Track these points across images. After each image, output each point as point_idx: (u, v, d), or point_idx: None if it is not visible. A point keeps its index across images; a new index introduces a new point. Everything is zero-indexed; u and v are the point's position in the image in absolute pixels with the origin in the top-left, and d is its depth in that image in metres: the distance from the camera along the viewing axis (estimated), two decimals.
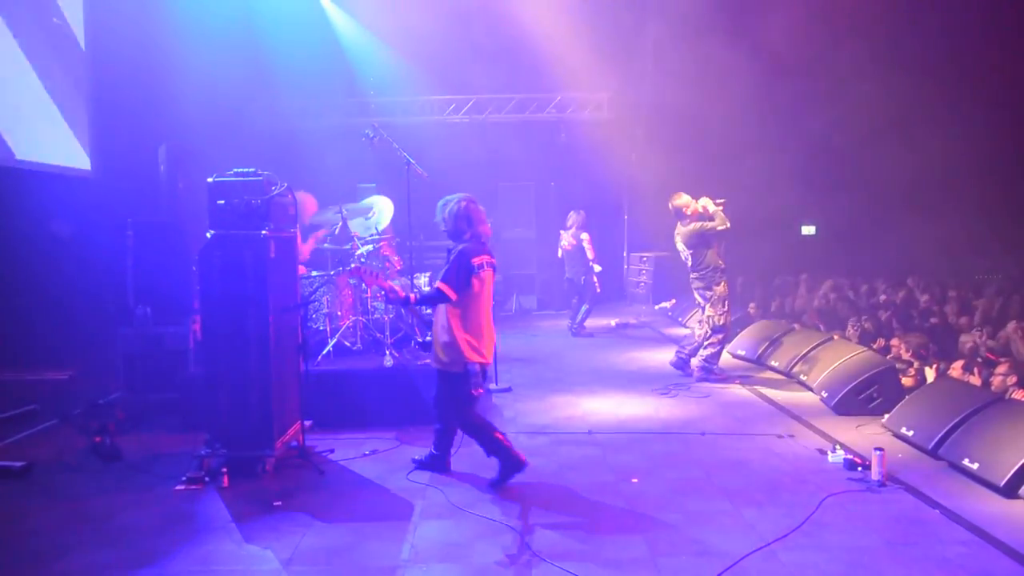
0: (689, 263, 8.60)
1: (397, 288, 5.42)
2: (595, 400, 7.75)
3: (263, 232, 5.41)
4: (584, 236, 11.61)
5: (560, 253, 11.95)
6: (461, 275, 5.21)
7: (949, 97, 14.46)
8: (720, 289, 8.43)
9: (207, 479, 5.39)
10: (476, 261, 5.26)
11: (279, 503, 5.04)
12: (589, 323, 12.05)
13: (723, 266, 8.51)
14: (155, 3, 10.30)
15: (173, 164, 9.25)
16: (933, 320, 10.70)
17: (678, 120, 14.63)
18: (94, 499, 5.22)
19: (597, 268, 11.69)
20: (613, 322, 12.82)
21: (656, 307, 14.48)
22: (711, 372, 8.51)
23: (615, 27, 14.40)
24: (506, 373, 8.58)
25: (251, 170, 5.54)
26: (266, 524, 4.75)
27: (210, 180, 5.49)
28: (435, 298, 5.33)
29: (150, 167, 9.50)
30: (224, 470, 5.37)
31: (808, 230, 19.66)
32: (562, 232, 11.89)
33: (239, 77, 12.19)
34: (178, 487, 5.33)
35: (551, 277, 14.93)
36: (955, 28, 14.55)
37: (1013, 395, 6.91)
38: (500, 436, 5.37)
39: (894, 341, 8.97)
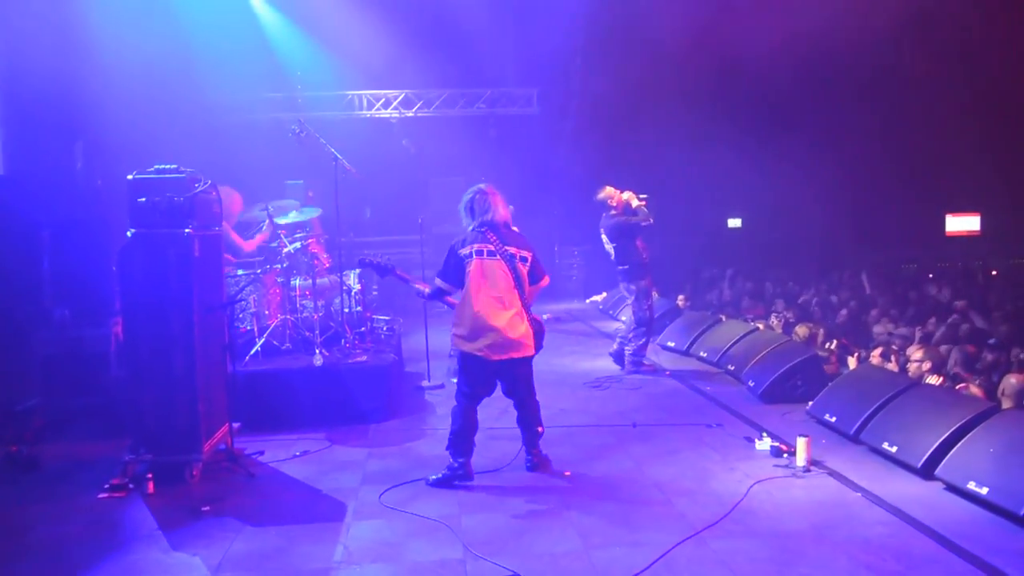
0: (613, 256, 8.68)
1: (423, 286, 5.63)
2: None
3: (187, 230, 5.28)
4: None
5: None
6: (449, 266, 5.34)
7: (867, 96, 14.96)
8: (644, 283, 8.52)
9: (131, 486, 5.24)
10: (464, 251, 5.30)
11: (207, 508, 4.92)
12: None
13: (647, 260, 8.60)
14: None
15: (91, 161, 8.94)
16: (844, 312, 11.09)
17: (606, 116, 14.80)
18: (12, 511, 5.03)
19: None
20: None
21: (587, 300, 14.63)
22: (640, 365, 8.63)
23: (544, 23, 14.45)
24: (439, 369, 8.54)
25: (173, 166, 5.40)
26: (194, 530, 4.64)
27: (130, 177, 5.33)
28: (437, 292, 5.49)
29: (66, 164, 9.16)
30: (149, 476, 5.22)
31: (735, 223, 20.13)
32: None
33: (161, 71, 11.83)
34: (101, 495, 5.16)
35: None
36: (869, 38, 15.06)
37: (927, 380, 7.19)
38: (471, 441, 5.38)
39: (817, 330, 9.25)
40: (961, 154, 17.60)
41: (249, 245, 7.90)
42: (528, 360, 5.41)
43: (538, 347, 5.45)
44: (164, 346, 5.28)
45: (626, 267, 8.55)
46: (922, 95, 16.36)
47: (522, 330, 5.27)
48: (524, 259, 5.33)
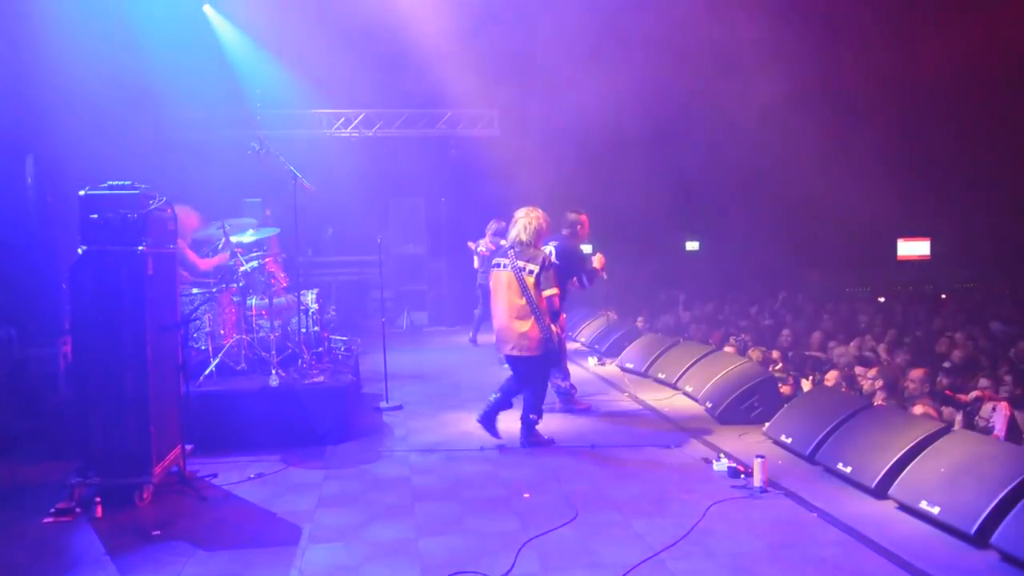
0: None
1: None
2: None
3: (140, 248, 5.18)
4: (503, 242, 11.70)
5: (476, 262, 11.96)
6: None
7: (821, 123, 15.27)
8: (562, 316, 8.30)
9: (79, 510, 5.09)
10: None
11: (158, 532, 4.81)
12: (480, 338, 12.15)
13: (564, 302, 8.16)
14: (20, 6, 9.73)
15: (41, 176, 8.74)
16: (786, 332, 11.28)
17: (566, 138, 14.90)
18: None
19: None
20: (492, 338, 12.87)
21: None
22: (571, 399, 8.12)
23: (505, 45, 14.55)
24: (397, 391, 8.48)
25: (127, 183, 5.30)
26: (144, 556, 4.51)
27: (82, 193, 5.21)
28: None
29: (16, 179, 8.94)
30: (98, 500, 5.07)
31: (692, 245, 20.37)
32: (471, 244, 11.96)
33: (116, 85, 11.65)
34: (47, 520, 5.00)
35: (442, 293, 14.89)
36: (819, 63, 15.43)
37: (878, 398, 7.32)
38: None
39: (770, 353, 9.37)
40: (913, 180, 18.08)
41: (205, 263, 7.78)
42: (527, 359, 6.39)
43: (546, 354, 6.41)
44: (115, 366, 5.16)
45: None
46: (875, 122, 16.77)
47: (521, 330, 6.32)
48: (531, 271, 6.33)
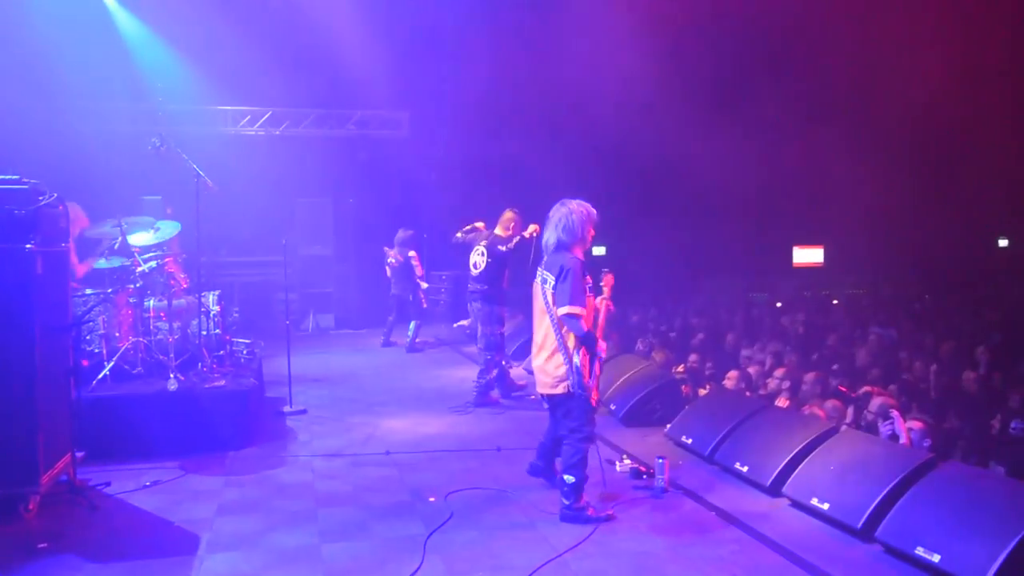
0: (479, 270, 8.33)
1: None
2: (393, 420, 7.69)
3: (28, 246, 4.94)
4: (412, 253, 11.75)
5: (388, 271, 11.90)
6: None
7: (718, 132, 15.77)
8: (499, 309, 8.33)
9: None
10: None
11: (45, 545, 4.60)
12: (384, 341, 12.16)
13: (506, 292, 8.39)
14: None
15: None
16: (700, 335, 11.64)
17: (477, 142, 14.96)
18: None
19: (424, 285, 11.87)
20: (417, 341, 12.80)
21: (455, 325, 14.63)
22: (487, 395, 8.37)
23: (415, 47, 14.50)
24: (302, 394, 8.34)
25: (15, 177, 5.05)
26: (30, 570, 4.32)
27: None
28: None
29: None
30: None
31: (599, 251, 20.69)
32: (388, 249, 11.86)
33: (4, 74, 11.09)
34: None
35: (349, 295, 14.70)
36: (718, 76, 15.95)
37: (780, 401, 7.61)
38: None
39: (671, 355, 9.61)
40: (807, 189, 18.87)
41: (83, 268, 7.46)
42: (551, 397, 5.06)
43: (574, 395, 4.95)
44: (1, 369, 4.90)
45: (485, 287, 8.28)
46: (771, 131, 17.40)
47: (543, 362, 5.03)
48: (547, 282, 5.00)
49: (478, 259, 8.41)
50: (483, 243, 8.37)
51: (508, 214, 8.37)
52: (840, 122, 17.34)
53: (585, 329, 4.89)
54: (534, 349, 5.20)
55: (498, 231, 8.35)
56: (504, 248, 8.15)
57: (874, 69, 16.79)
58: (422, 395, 8.86)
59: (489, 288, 8.33)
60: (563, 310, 4.87)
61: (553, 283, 4.92)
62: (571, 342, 4.93)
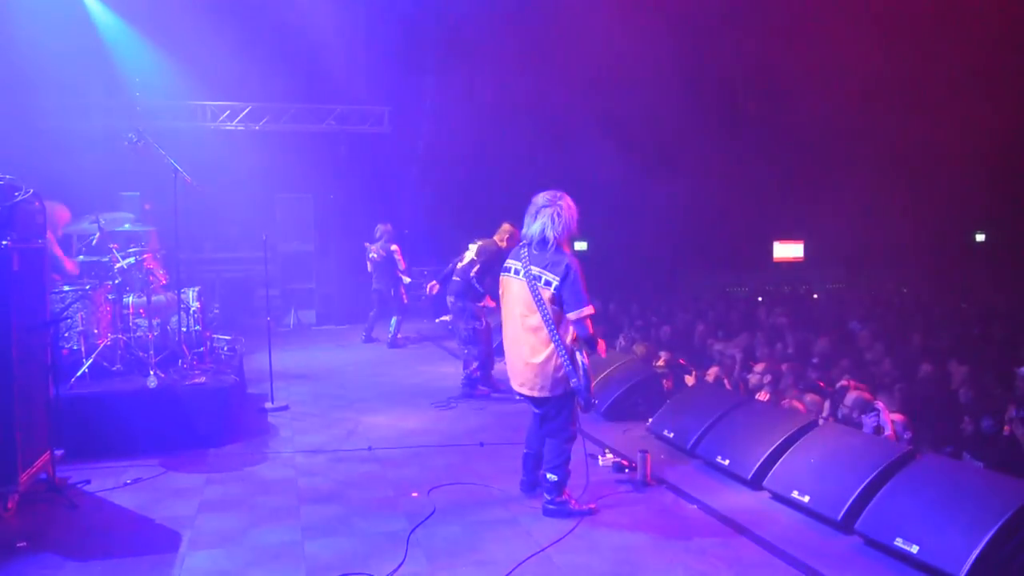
0: (463, 264, 8.32)
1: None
2: (376, 416, 7.68)
3: (4, 242, 4.88)
4: (394, 248, 11.69)
5: (369, 266, 11.84)
6: (494, 275, 5.18)
7: (701, 129, 15.87)
8: (479, 306, 8.30)
9: None
10: (505, 263, 5.09)
11: (24, 544, 4.55)
12: (366, 336, 12.16)
13: (483, 291, 8.29)
14: None
15: None
16: (667, 328, 11.73)
17: (457, 137, 14.93)
18: None
19: (406, 280, 11.80)
20: (399, 336, 12.79)
21: (437, 320, 14.61)
22: (475, 389, 8.46)
23: (396, 44, 14.46)
24: (283, 391, 8.30)
25: None
26: (9, 570, 4.27)
27: None
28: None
29: None
30: None
31: (580, 246, 20.77)
32: (369, 244, 11.81)
33: None
34: None
35: (331, 291, 14.65)
36: (706, 75, 16.01)
37: (761, 395, 7.67)
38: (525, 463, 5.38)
39: (654, 349, 9.67)
40: (788, 185, 19.00)
41: (73, 264, 7.39)
42: (545, 400, 4.92)
43: (567, 394, 4.88)
44: None
45: (466, 284, 8.25)
46: (752, 129, 17.52)
47: (533, 361, 4.83)
48: (548, 283, 4.75)
49: (467, 253, 8.41)
50: (478, 243, 8.35)
51: (505, 226, 8.29)
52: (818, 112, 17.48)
53: (591, 330, 4.83)
54: (519, 348, 4.94)
55: (495, 238, 8.31)
56: (498, 260, 7.86)
57: (858, 61, 16.91)
58: (404, 390, 8.84)
59: (466, 283, 8.30)
60: (577, 313, 4.74)
61: (558, 283, 4.74)
62: (569, 341, 4.82)
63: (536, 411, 5.10)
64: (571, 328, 4.80)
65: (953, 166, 18.82)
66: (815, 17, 16.27)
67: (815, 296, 17.65)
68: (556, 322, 4.76)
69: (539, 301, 4.77)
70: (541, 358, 4.81)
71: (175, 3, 12.55)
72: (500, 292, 5.14)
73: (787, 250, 22.63)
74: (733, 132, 16.94)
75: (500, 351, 10.17)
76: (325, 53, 13.61)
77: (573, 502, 5.07)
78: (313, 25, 13.19)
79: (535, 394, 4.92)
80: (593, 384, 4.88)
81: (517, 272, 4.93)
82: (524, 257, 4.90)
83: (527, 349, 4.87)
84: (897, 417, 6.59)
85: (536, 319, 4.80)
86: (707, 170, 16.97)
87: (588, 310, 4.75)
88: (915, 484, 4.57)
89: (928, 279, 18.89)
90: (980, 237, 24.47)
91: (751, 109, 16.71)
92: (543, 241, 4.84)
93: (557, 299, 4.75)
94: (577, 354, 4.83)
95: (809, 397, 7.31)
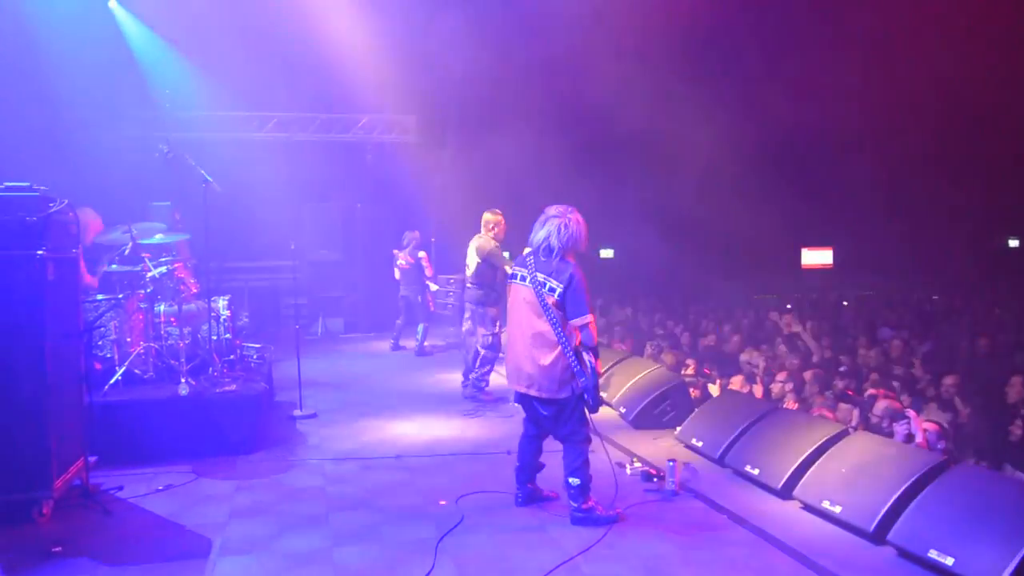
0: (471, 271, 8.48)
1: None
2: (403, 424, 7.70)
3: (39, 252, 4.97)
4: (422, 255, 11.78)
5: (397, 273, 11.92)
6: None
7: (730, 136, 15.77)
8: (494, 311, 8.40)
9: None
10: (512, 271, 5.26)
11: (59, 549, 4.61)
12: (393, 345, 12.24)
13: (501, 293, 8.39)
14: None
15: None
16: (711, 337, 11.63)
17: (483, 145, 14.96)
18: None
19: (433, 287, 11.85)
20: (425, 344, 12.82)
21: (464, 328, 14.65)
22: (481, 391, 8.59)
23: (421, 51, 14.53)
24: (312, 398, 8.35)
25: (26, 184, 5.08)
26: (44, 574, 4.34)
27: None
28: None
29: None
30: None
31: (607, 253, 20.71)
32: (397, 252, 11.88)
33: (10, 82, 11.15)
34: None
35: (358, 299, 14.73)
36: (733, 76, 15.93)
37: (787, 403, 7.60)
38: (520, 472, 5.42)
39: (683, 357, 9.61)
40: (816, 192, 18.84)
41: (91, 278, 7.49)
42: (551, 402, 5.02)
43: (575, 395, 4.98)
44: (11, 375, 4.92)
45: (481, 291, 8.39)
46: (781, 135, 17.40)
47: (541, 363, 4.94)
48: (552, 289, 4.92)
49: (470, 260, 8.54)
50: (472, 246, 8.48)
51: (487, 216, 8.46)
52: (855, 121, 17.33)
53: (594, 335, 4.98)
54: (527, 352, 5.03)
55: (484, 234, 8.45)
56: (496, 247, 8.33)
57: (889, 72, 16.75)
58: (432, 398, 8.86)
59: (483, 291, 8.41)
60: (581, 320, 4.91)
61: (561, 290, 4.91)
62: (575, 344, 4.98)
63: (543, 413, 5.13)
64: (577, 333, 4.97)
65: (987, 171, 18.56)
66: (851, 18, 16.16)
67: (844, 303, 17.46)
68: (562, 325, 4.94)
69: (545, 306, 4.94)
70: (549, 360, 4.95)
71: (204, 16, 12.71)
72: (508, 299, 5.29)
73: (816, 256, 22.40)
74: (757, 137, 16.82)
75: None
76: (351, 62, 13.71)
77: (600, 508, 5.09)
78: (338, 34, 13.30)
79: (543, 395, 5.02)
80: (601, 380, 5.00)
81: (523, 279, 5.08)
82: (530, 264, 5.06)
83: (536, 352, 4.99)
84: (930, 426, 6.50)
85: (543, 323, 4.96)
86: (735, 177, 16.87)
87: (588, 318, 4.93)
88: (950, 495, 4.49)
89: (960, 285, 18.61)
90: (1013, 243, 24.10)
91: (778, 111, 16.55)
92: (548, 249, 5.01)
93: (560, 305, 4.93)
94: (584, 355, 4.97)
95: (840, 406, 7.23)
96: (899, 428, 6.41)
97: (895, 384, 8.19)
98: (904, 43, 16.18)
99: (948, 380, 7.87)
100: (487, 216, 8.50)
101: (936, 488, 4.58)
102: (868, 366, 9.44)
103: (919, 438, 6.25)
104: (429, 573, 4.32)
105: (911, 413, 6.56)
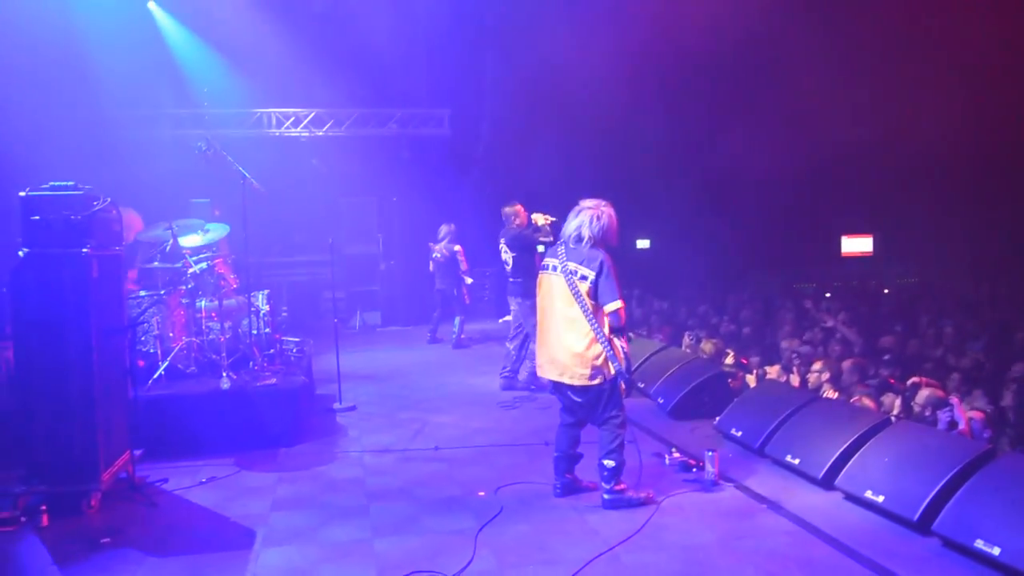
0: (509, 267, 8.67)
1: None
2: (441, 416, 7.75)
3: (84, 250, 5.08)
4: (457, 248, 11.84)
5: (431, 266, 11.99)
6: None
7: (766, 123, 15.56)
8: (532, 301, 8.44)
9: (23, 519, 4.96)
10: (543, 262, 5.32)
11: (107, 540, 4.72)
12: (431, 337, 12.30)
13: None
14: None
15: None
16: (747, 329, 11.51)
17: (517, 138, 14.95)
18: None
19: (468, 280, 11.92)
20: (463, 337, 12.87)
21: (500, 321, 14.68)
22: (516, 380, 8.71)
23: (454, 45, 14.55)
24: (351, 391, 8.43)
25: (70, 183, 5.19)
26: (93, 564, 4.43)
27: (23, 194, 5.08)
28: None
29: None
30: (43, 508, 4.95)
31: (643, 243, 20.59)
32: (433, 245, 11.94)
33: (54, 82, 11.37)
34: None
35: (395, 293, 14.82)
36: (770, 63, 15.71)
37: (825, 393, 7.50)
38: (558, 461, 5.47)
39: (722, 346, 9.53)
40: (856, 179, 18.51)
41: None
42: (585, 389, 5.10)
43: (609, 383, 5.08)
44: (59, 371, 5.05)
45: (520, 280, 8.49)
46: (820, 121, 17.10)
47: (575, 351, 5.04)
48: (584, 277, 5.02)
49: (505, 256, 8.69)
50: (502, 240, 8.59)
51: (508, 208, 8.74)
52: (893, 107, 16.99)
53: (623, 320, 5.08)
54: (560, 340, 5.11)
55: (511, 226, 8.68)
56: (527, 232, 8.44)
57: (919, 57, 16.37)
58: (469, 390, 8.90)
59: (522, 280, 8.47)
60: (615, 305, 5.00)
61: (593, 277, 5.01)
62: (606, 331, 5.05)
63: (578, 400, 5.20)
64: (607, 319, 5.05)
65: None
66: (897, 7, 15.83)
67: (886, 291, 17.18)
68: (594, 313, 5.02)
69: (577, 295, 5.03)
70: (583, 347, 5.04)
71: (239, 13, 12.85)
72: (538, 290, 5.36)
73: (856, 244, 22.04)
74: (796, 124, 16.56)
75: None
76: (385, 57, 13.78)
77: (631, 491, 5.17)
78: (373, 30, 13.36)
79: (576, 383, 5.11)
80: (634, 367, 5.16)
81: (555, 268, 5.17)
82: (561, 254, 5.16)
83: (569, 340, 5.08)
84: (975, 415, 6.38)
85: (576, 311, 5.04)
86: (771, 164, 16.63)
87: (620, 304, 5.03)
88: (996, 484, 4.41)
89: (1005, 275, 18.18)
90: None
91: (817, 97, 16.27)
92: (579, 238, 5.14)
93: (593, 293, 5.02)
94: (615, 340, 5.06)
95: (885, 396, 7.12)
96: (942, 415, 6.29)
97: (955, 375, 8.02)
98: (943, 33, 15.81)
99: (1018, 368, 7.71)
100: (507, 209, 8.75)
101: (982, 477, 4.50)
102: (912, 354, 9.29)
103: (962, 425, 6.14)
104: (469, 563, 4.35)
105: (954, 400, 6.44)
